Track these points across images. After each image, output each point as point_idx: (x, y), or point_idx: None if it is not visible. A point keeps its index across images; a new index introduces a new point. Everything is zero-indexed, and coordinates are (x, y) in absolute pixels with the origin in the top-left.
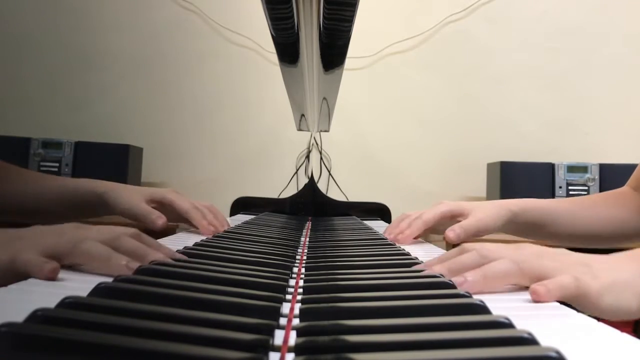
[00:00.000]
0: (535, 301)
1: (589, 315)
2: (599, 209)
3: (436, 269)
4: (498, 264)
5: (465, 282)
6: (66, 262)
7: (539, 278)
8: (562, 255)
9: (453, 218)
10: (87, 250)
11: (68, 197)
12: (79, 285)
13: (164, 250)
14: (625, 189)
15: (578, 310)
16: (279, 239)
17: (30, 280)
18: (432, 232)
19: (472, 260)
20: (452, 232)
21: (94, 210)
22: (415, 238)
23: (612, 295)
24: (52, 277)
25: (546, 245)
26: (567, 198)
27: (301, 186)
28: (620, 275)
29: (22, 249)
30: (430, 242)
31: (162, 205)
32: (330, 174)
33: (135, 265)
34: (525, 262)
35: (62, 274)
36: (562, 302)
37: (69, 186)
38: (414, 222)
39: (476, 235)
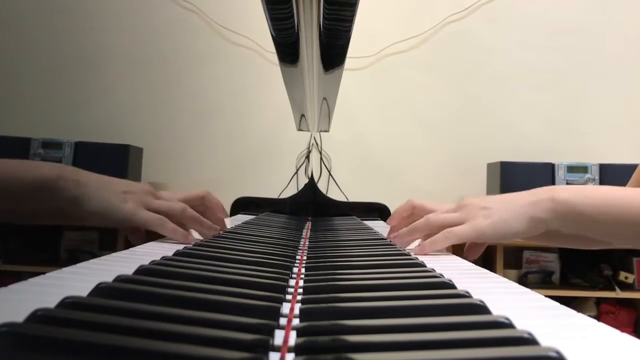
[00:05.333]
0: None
1: (589, 316)
2: None
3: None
4: (417, 222)
5: (397, 234)
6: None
7: (444, 228)
8: (475, 201)
9: None
10: (191, 216)
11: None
12: (79, 285)
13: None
14: None
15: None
16: (279, 239)
17: (31, 280)
18: None
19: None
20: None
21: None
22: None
23: (495, 229)
24: (190, 243)
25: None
26: None
27: (301, 186)
28: (509, 211)
29: (137, 204)
30: None
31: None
32: (330, 174)
33: (191, 237)
34: (430, 218)
35: (62, 273)
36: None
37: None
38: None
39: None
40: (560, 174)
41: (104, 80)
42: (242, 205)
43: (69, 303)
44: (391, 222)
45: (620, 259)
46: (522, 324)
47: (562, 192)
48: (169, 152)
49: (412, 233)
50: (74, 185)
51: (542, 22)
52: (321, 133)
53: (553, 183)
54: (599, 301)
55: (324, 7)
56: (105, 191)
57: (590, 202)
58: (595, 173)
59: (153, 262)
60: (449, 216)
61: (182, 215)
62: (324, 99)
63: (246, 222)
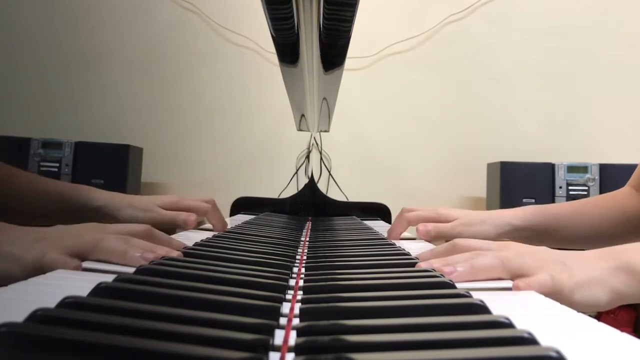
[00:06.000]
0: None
1: (589, 316)
2: (603, 210)
3: (434, 264)
4: (485, 258)
5: (455, 271)
6: (88, 259)
7: (520, 275)
8: (542, 254)
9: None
10: (105, 248)
11: (63, 203)
12: (79, 285)
13: (174, 244)
14: (626, 189)
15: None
16: (279, 239)
17: (31, 280)
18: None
19: (465, 257)
20: (423, 227)
21: (91, 219)
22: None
23: (584, 292)
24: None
25: (553, 248)
26: (570, 202)
27: (301, 186)
28: (593, 273)
29: (49, 248)
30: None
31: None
32: (330, 174)
33: (148, 255)
34: (508, 260)
35: (63, 273)
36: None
37: (63, 192)
38: (398, 220)
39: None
40: (560, 174)
41: (104, 80)
42: (242, 205)
43: (69, 303)
44: (391, 235)
45: None
46: (522, 324)
47: (635, 257)
48: (169, 152)
49: (480, 274)
50: None
51: (542, 22)
52: (321, 133)
53: (553, 183)
54: None
55: (324, 7)
56: (6, 242)
57: None
58: (595, 173)
59: (153, 262)
60: (523, 262)
61: (93, 252)
62: (324, 99)
63: (246, 222)
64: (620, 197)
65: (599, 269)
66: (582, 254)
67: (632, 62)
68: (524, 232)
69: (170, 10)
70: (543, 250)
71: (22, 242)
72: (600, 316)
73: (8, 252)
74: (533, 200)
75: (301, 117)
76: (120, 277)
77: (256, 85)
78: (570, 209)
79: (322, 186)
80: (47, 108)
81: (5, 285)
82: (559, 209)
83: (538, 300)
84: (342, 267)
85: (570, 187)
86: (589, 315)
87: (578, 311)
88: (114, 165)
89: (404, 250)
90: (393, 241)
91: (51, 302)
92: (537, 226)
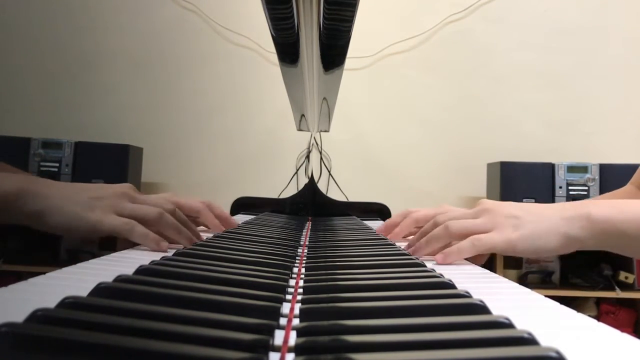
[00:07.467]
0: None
1: (589, 316)
2: None
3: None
4: (435, 231)
5: (415, 247)
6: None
7: (467, 235)
8: (500, 208)
9: None
10: (138, 234)
11: None
12: (79, 285)
13: (193, 229)
14: (629, 187)
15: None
16: (279, 239)
17: (31, 280)
18: None
19: (430, 228)
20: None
21: None
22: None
23: (527, 242)
24: (164, 250)
25: None
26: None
27: (301, 186)
28: (541, 225)
29: (105, 210)
30: None
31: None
32: (330, 174)
33: (164, 244)
34: (452, 225)
35: (62, 273)
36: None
37: None
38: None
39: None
40: (560, 174)
41: (104, 80)
42: (242, 205)
43: (69, 303)
44: (386, 233)
45: (620, 258)
46: (522, 324)
47: (597, 209)
48: (169, 152)
49: (431, 243)
50: (35, 199)
51: (542, 22)
52: (321, 133)
53: (553, 183)
54: (599, 301)
55: (324, 7)
56: (69, 201)
57: (630, 217)
58: (595, 173)
59: (153, 262)
60: (472, 222)
61: (158, 222)
62: (324, 99)
63: (246, 222)
64: (625, 195)
65: (549, 221)
66: (538, 207)
67: (632, 62)
68: None
69: (170, 10)
70: (502, 206)
71: (82, 201)
72: (600, 316)
73: (73, 212)
74: (533, 200)
75: (301, 117)
76: (120, 277)
77: (256, 85)
78: None
79: (322, 186)
80: (48, 108)
81: (76, 238)
82: None
83: (538, 300)
84: (342, 267)
85: (570, 187)
86: (589, 315)
87: (526, 257)
88: (114, 165)
89: (404, 250)
90: (393, 241)
91: (51, 302)
92: None
